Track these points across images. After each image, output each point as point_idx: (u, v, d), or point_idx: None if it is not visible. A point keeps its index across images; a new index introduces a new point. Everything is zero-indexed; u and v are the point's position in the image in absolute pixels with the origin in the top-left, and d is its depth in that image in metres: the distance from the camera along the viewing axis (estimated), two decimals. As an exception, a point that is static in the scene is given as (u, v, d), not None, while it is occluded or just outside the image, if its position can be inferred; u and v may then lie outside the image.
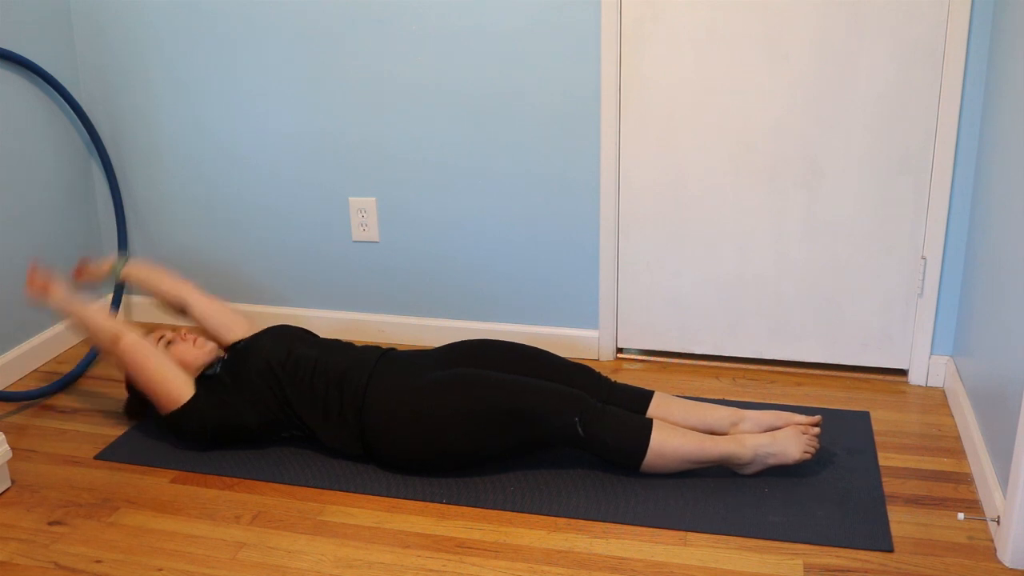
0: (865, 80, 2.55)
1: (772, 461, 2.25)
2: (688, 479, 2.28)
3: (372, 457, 2.37)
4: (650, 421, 2.26)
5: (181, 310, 2.69)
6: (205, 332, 2.60)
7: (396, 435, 2.29)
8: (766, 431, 2.32)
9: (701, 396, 2.70)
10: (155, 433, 2.57)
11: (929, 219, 2.62)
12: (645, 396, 2.39)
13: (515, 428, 2.24)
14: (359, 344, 2.55)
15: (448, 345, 2.51)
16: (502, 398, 2.24)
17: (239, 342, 2.55)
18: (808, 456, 2.25)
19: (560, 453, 2.39)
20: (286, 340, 2.49)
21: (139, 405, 2.54)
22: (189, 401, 2.39)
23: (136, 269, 2.79)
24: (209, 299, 2.67)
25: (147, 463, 2.44)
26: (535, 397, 2.25)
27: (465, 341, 2.52)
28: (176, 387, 2.40)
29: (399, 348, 2.58)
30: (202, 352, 2.50)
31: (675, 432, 2.26)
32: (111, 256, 2.81)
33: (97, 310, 2.54)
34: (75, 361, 3.01)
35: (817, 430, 2.29)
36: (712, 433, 2.32)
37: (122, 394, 2.80)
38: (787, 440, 2.25)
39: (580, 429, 2.22)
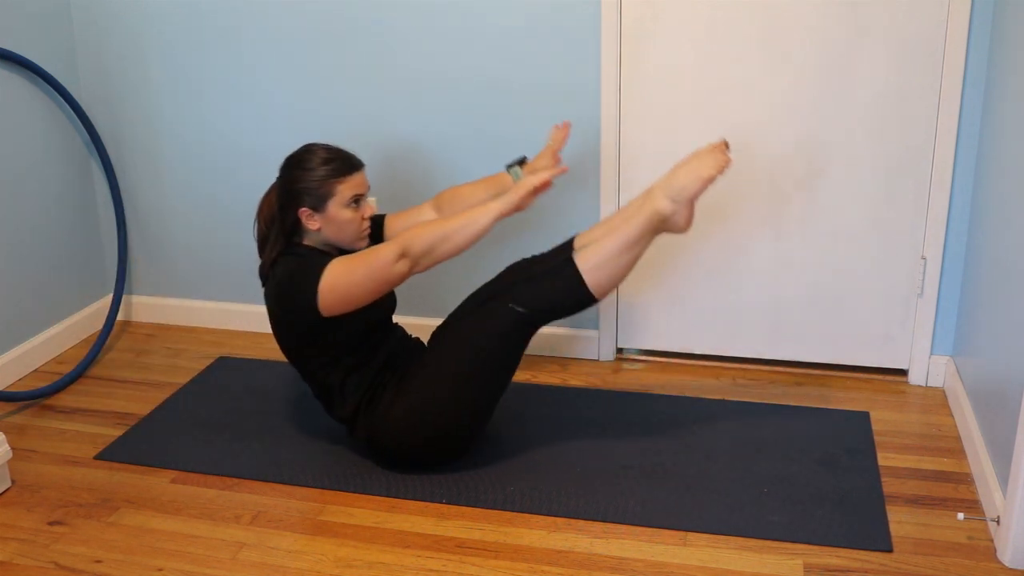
0: (865, 80, 2.55)
1: (689, 191, 2.16)
2: (688, 479, 2.28)
3: (371, 453, 2.37)
4: (570, 250, 2.23)
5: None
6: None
7: (411, 440, 2.30)
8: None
9: (701, 396, 2.70)
10: (155, 433, 2.57)
11: (929, 219, 2.62)
12: (567, 243, 2.36)
13: (492, 359, 2.26)
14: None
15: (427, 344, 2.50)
16: (466, 349, 2.26)
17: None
18: (720, 169, 2.13)
19: (560, 452, 2.39)
20: (390, 304, 2.44)
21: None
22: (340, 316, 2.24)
23: (504, 185, 2.47)
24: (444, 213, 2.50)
25: (147, 463, 2.44)
26: (482, 324, 2.26)
27: (432, 334, 2.49)
28: (355, 307, 2.22)
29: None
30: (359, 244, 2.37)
31: (594, 244, 2.22)
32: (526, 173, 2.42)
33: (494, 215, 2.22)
34: (75, 361, 3.00)
35: (724, 144, 2.19)
36: None
37: (120, 397, 2.81)
38: (689, 164, 2.17)
39: (520, 308, 2.22)
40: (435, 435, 2.30)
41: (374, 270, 2.15)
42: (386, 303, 2.40)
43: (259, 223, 2.38)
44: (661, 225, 2.21)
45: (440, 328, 2.43)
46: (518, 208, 2.20)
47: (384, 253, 2.15)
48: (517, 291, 2.25)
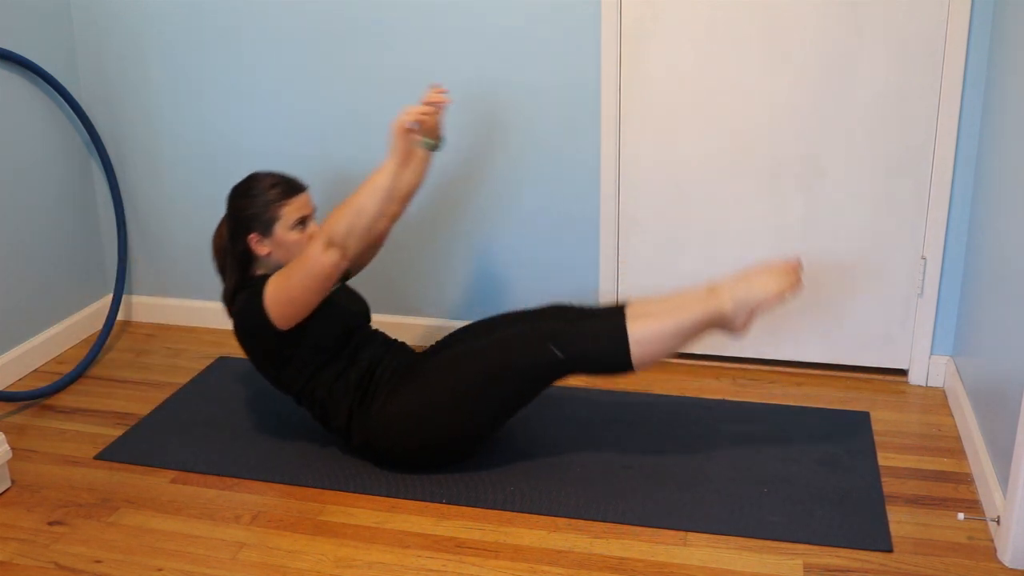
0: (865, 80, 2.55)
1: (755, 302, 2.17)
2: (688, 479, 2.28)
3: (369, 455, 2.37)
4: (622, 317, 2.21)
5: (394, 213, 2.53)
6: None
7: (405, 443, 2.30)
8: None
9: (701, 396, 2.70)
10: (155, 433, 2.57)
11: (929, 219, 2.62)
12: (619, 306, 2.31)
13: (506, 385, 2.24)
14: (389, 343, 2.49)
15: (429, 347, 2.51)
16: (482, 364, 2.24)
17: (348, 274, 2.55)
18: (792, 290, 2.16)
19: (559, 452, 2.39)
20: (361, 310, 2.46)
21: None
22: (294, 329, 2.27)
23: (425, 163, 2.51)
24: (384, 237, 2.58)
25: (147, 463, 2.44)
26: (506, 347, 2.25)
27: (441, 339, 2.51)
28: (305, 313, 2.25)
29: (408, 350, 2.55)
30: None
31: (650, 317, 2.21)
32: (437, 135, 2.38)
33: (408, 177, 2.36)
34: (75, 361, 3.00)
35: (798, 265, 2.21)
36: None
37: (120, 397, 2.81)
38: (762, 276, 2.19)
39: (559, 353, 2.20)
40: (432, 441, 2.30)
41: (307, 269, 2.17)
42: (355, 308, 2.43)
43: (214, 255, 2.45)
44: (718, 323, 2.21)
45: (455, 338, 2.43)
46: (403, 150, 2.18)
47: (310, 250, 2.17)
48: (561, 335, 2.22)
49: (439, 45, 2.79)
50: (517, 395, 2.27)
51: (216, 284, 3.21)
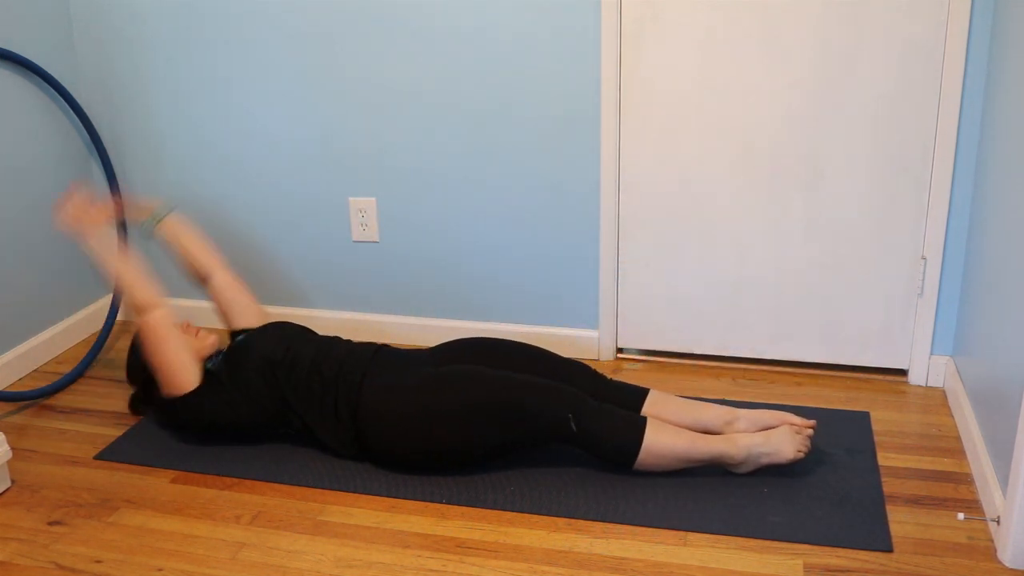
0: (865, 80, 2.55)
1: (765, 460, 2.25)
2: (688, 479, 2.28)
3: (369, 456, 2.37)
4: (644, 419, 2.26)
5: (203, 279, 2.68)
6: (219, 308, 2.63)
7: (391, 434, 2.30)
8: (760, 430, 2.32)
9: (701, 396, 2.70)
10: (155, 433, 2.57)
11: (929, 219, 2.62)
12: (640, 393, 2.39)
13: (508, 424, 2.24)
14: (356, 341, 2.55)
15: (443, 344, 2.52)
16: (494, 394, 2.24)
17: (239, 335, 2.55)
18: (801, 456, 2.24)
19: (559, 452, 2.39)
20: (284, 338, 2.49)
21: (142, 402, 2.57)
22: (192, 392, 2.40)
23: (173, 227, 2.72)
24: (233, 279, 2.68)
25: (147, 463, 2.44)
26: (528, 392, 2.25)
27: (459, 339, 2.52)
28: (185, 374, 2.40)
29: (399, 348, 2.57)
30: (203, 345, 2.50)
31: (668, 430, 2.26)
32: (154, 200, 2.64)
33: (134, 269, 2.47)
34: (75, 361, 3.00)
35: (811, 431, 2.29)
36: (706, 432, 2.33)
37: (120, 397, 2.80)
38: (780, 439, 2.25)
39: (573, 425, 2.22)
40: (427, 447, 2.29)
41: (145, 341, 2.43)
42: (266, 349, 2.44)
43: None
44: (723, 462, 2.28)
45: (480, 352, 2.44)
46: (99, 254, 2.49)
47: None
48: (584, 412, 2.24)
49: (439, 45, 2.79)
50: (518, 439, 2.28)
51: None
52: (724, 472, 2.30)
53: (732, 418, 2.35)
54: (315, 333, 2.57)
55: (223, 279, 2.67)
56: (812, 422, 2.33)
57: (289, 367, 2.39)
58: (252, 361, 2.41)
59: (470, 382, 2.27)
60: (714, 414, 2.36)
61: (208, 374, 2.45)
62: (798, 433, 2.27)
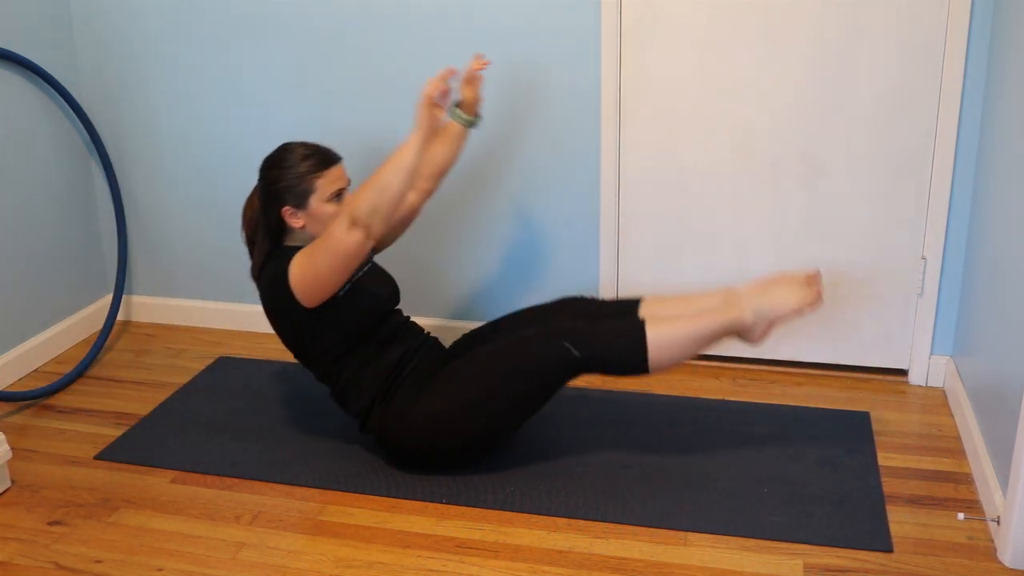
0: (865, 80, 2.55)
1: (775, 314, 2.17)
2: (688, 479, 2.28)
3: (398, 461, 2.37)
4: (641, 320, 2.20)
5: (434, 178, 2.50)
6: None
7: (421, 445, 2.30)
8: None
9: (701, 396, 2.70)
10: (155, 433, 2.57)
11: (929, 219, 2.62)
12: (633, 303, 2.33)
13: (521, 385, 2.23)
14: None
15: (449, 348, 2.51)
16: (498, 366, 2.24)
17: (376, 249, 2.48)
18: (812, 304, 2.15)
19: (559, 451, 2.39)
20: (390, 292, 2.41)
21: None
22: (326, 304, 2.23)
23: (460, 136, 2.49)
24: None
25: (147, 463, 2.44)
26: (520, 347, 2.24)
27: (461, 340, 2.51)
28: (331, 291, 2.21)
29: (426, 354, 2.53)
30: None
31: (668, 321, 2.20)
32: (477, 113, 2.45)
33: (439, 152, 2.37)
34: (75, 361, 3.00)
35: (815, 273, 2.20)
36: None
37: (120, 397, 2.81)
38: (783, 288, 2.18)
39: (574, 351, 2.18)
40: (450, 444, 2.29)
41: (330, 248, 2.12)
42: (384, 290, 2.37)
43: (244, 227, 2.39)
44: (736, 331, 2.21)
45: (475, 338, 2.43)
46: (428, 125, 2.11)
47: (333, 229, 2.12)
48: (576, 333, 2.20)
49: (439, 46, 2.79)
50: (533, 395, 2.26)
51: (217, 284, 3.23)
52: (725, 472, 2.30)
53: (731, 294, 2.27)
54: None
55: (418, 204, 2.52)
56: (816, 270, 2.24)
57: (388, 333, 2.32)
58: (372, 297, 2.31)
59: (469, 374, 2.26)
60: (713, 295, 2.29)
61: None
62: (803, 281, 2.19)
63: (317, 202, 2.25)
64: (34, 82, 2.93)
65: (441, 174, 2.49)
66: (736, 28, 2.59)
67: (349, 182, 2.33)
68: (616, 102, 2.71)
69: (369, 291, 2.33)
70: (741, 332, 2.21)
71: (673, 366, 2.22)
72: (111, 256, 3.27)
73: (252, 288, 3.24)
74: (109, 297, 3.27)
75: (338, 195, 2.28)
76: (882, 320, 2.75)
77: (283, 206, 2.26)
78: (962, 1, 2.42)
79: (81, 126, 3.11)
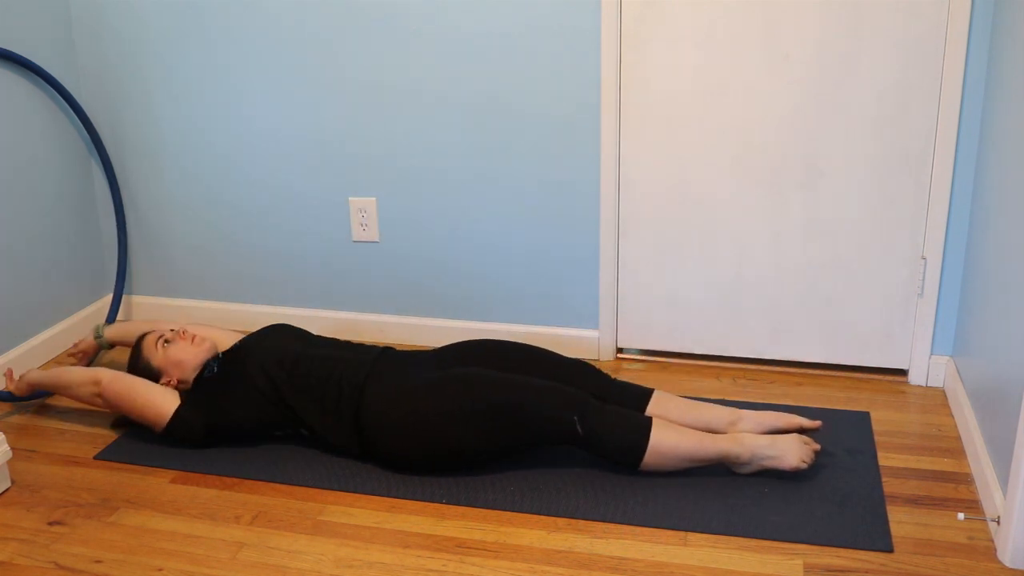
0: (865, 80, 2.55)
1: (769, 464, 2.25)
2: (688, 479, 2.28)
3: (371, 456, 2.37)
4: (649, 419, 2.26)
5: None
6: (201, 329, 2.65)
7: (393, 435, 2.30)
8: (764, 432, 2.32)
9: (701, 396, 2.70)
10: (155, 433, 2.57)
11: (929, 219, 2.62)
12: (644, 394, 2.39)
13: (513, 426, 2.24)
14: (358, 343, 2.56)
15: (447, 346, 2.52)
16: (499, 396, 2.24)
17: (236, 343, 2.56)
18: (804, 466, 2.24)
19: (559, 452, 2.39)
20: (284, 339, 2.50)
21: (125, 418, 2.60)
22: (174, 414, 2.42)
23: (114, 329, 2.83)
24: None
25: (147, 463, 2.44)
26: (533, 395, 2.25)
27: (464, 341, 2.52)
28: (159, 405, 2.43)
29: (399, 348, 2.58)
30: (200, 350, 2.50)
31: (674, 430, 2.27)
32: (88, 334, 2.86)
33: (64, 369, 2.60)
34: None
35: (816, 446, 2.29)
36: (710, 432, 2.33)
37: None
38: (786, 446, 2.25)
39: (579, 427, 2.22)
40: (414, 443, 2.29)
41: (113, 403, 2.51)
42: (270, 358, 2.43)
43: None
44: (729, 462, 2.28)
45: (484, 355, 2.43)
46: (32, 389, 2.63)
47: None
48: (589, 413, 2.23)
49: (439, 46, 2.78)
50: (522, 441, 2.28)
51: (217, 284, 3.23)
52: (725, 472, 2.30)
53: (736, 418, 2.35)
54: (313, 335, 2.58)
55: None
56: (817, 422, 2.34)
57: (291, 367, 2.39)
58: (251, 363, 2.41)
59: (474, 386, 2.26)
60: (718, 414, 2.37)
61: (197, 384, 2.46)
62: (806, 444, 2.27)
63: (157, 362, 2.55)
64: (34, 82, 2.93)
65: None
66: (737, 28, 2.59)
67: (171, 330, 2.57)
68: (616, 102, 2.71)
69: (247, 349, 2.49)
70: (732, 464, 2.29)
71: (661, 472, 2.28)
72: (111, 256, 3.27)
73: (252, 288, 3.26)
74: (109, 297, 3.27)
75: (166, 341, 2.54)
76: (882, 320, 2.75)
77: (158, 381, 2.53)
78: (962, 1, 2.42)
79: (81, 126, 3.11)
